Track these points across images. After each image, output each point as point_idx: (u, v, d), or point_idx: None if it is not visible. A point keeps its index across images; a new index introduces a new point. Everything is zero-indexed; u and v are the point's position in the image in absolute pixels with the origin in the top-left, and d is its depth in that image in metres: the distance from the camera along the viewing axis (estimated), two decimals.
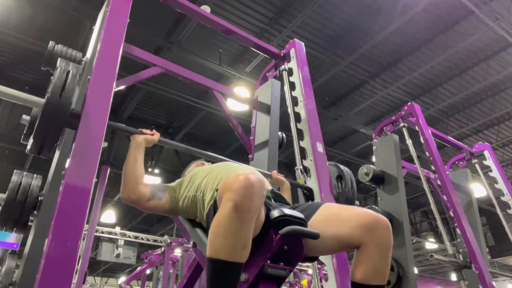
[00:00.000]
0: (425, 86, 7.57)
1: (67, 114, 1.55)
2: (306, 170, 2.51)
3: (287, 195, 2.03)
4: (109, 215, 11.49)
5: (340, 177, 2.58)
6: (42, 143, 1.59)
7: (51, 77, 1.59)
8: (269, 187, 1.65)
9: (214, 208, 1.36)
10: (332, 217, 1.38)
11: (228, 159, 2.13)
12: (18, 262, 1.79)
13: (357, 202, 2.62)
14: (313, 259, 1.52)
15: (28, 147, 1.62)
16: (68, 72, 1.59)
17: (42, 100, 1.53)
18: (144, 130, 1.83)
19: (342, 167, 2.62)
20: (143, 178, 1.64)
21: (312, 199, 2.38)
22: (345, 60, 6.70)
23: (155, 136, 1.83)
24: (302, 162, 2.54)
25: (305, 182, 2.44)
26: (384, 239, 1.28)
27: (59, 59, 1.67)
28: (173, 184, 1.70)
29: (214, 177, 1.53)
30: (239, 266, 1.13)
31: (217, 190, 1.26)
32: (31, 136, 1.57)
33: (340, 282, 2.05)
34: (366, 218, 1.30)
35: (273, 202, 1.49)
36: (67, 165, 1.53)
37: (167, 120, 8.48)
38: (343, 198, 2.51)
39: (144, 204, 1.59)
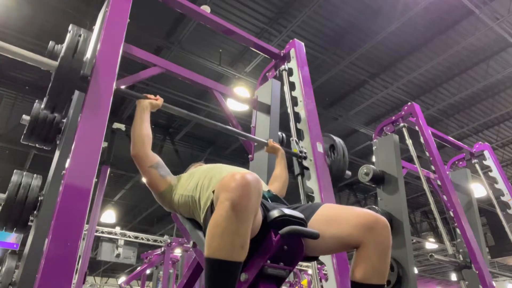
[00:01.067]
0: (425, 86, 7.56)
1: (78, 76, 1.67)
2: (300, 134, 2.67)
3: (282, 162, 2.20)
4: (109, 215, 11.49)
5: (332, 147, 2.70)
6: (55, 103, 1.71)
7: (64, 41, 1.71)
8: (266, 188, 1.65)
9: (211, 209, 1.36)
10: (332, 217, 1.38)
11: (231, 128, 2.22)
12: (18, 262, 1.79)
13: (348, 172, 2.73)
14: (313, 259, 1.53)
15: (43, 105, 1.74)
16: (80, 35, 1.71)
17: (55, 63, 1.65)
18: (148, 95, 1.96)
19: (334, 137, 2.75)
20: (150, 139, 1.74)
21: (307, 168, 2.50)
22: (345, 60, 6.70)
23: (159, 101, 1.98)
24: (296, 126, 2.70)
25: (300, 152, 2.57)
26: (383, 239, 1.28)
27: (70, 24, 1.79)
28: (175, 176, 1.73)
29: (209, 178, 1.53)
30: (237, 265, 1.12)
31: (213, 191, 1.26)
32: (46, 94, 1.69)
33: (340, 282, 2.05)
34: (365, 218, 1.30)
35: (270, 202, 1.49)
36: (67, 165, 1.53)
37: (167, 120, 8.47)
38: (335, 166, 2.63)
39: (146, 167, 1.64)
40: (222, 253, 1.10)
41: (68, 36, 1.69)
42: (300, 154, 2.56)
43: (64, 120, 2.07)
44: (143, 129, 1.75)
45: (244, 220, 1.10)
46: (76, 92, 2.15)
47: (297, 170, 2.57)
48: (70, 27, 1.75)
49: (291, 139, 2.68)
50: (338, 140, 2.73)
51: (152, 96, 1.96)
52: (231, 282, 1.12)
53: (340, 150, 2.67)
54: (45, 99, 1.70)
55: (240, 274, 1.26)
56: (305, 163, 2.56)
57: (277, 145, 2.32)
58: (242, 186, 1.10)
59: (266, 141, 2.37)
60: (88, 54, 1.76)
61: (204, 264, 1.14)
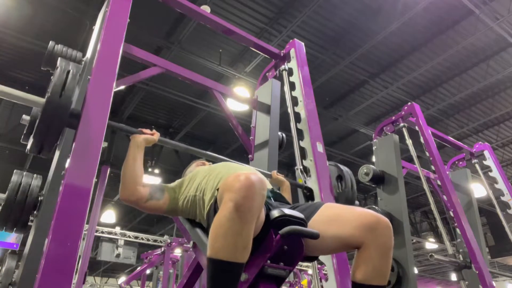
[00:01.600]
0: (425, 86, 7.56)
1: (67, 114, 1.55)
2: (306, 170, 2.51)
3: (287, 195, 2.04)
4: (109, 215, 11.49)
5: (340, 177, 2.59)
6: (42, 143, 1.60)
7: (51, 77, 1.59)
8: (269, 187, 1.65)
9: (215, 207, 1.36)
10: (333, 217, 1.38)
11: (228, 159, 2.14)
12: (18, 262, 1.79)
13: (357, 202, 2.62)
14: (313, 258, 1.53)
15: (28, 146, 1.63)
16: (69, 71, 1.59)
17: (42, 100, 1.54)
18: (144, 130, 1.82)
19: (342, 167, 2.63)
20: (142, 178, 1.63)
21: (312, 199, 2.39)
22: (345, 60, 6.70)
23: (155, 136, 1.82)
24: (302, 162, 2.55)
25: (305, 182, 2.46)
26: (385, 240, 1.28)
27: (59, 58, 1.67)
28: (172, 184, 1.70)
29: (214, 177, 1.53)
30: (240, 266, 1.12)
31: (217, 189, 1.26)
32: (31, 136, 1.58)
33: (340, 282, 2.05)
34: (367, 218, 1.29)
35: (273, 201, 1.49)
36: (67, 165, 1.53)
37: (167, 120, 8.48)
38: (343, 198, 2.51)
39: (142, 205, 1.59)
40: (225, 253, 1.10)
41: (56, 72, 1.58)
42: (306, 185, 2.44)
43: None
44: (136, 169, 1.62)
45: (247, 221, 1.10)
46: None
47: (302, 201, 2.43)
48: (58, 62, 1.63)
49: (295, 168, 2.57)
50: (345, 170, 2.61)
51: (148, 131, 1.82)
52: (233, 282, 1.12)
53: (348, 181, 2.56)
54: (30, 140, 1.59)
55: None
56: (305, 163, 2.56)
57: (282, 178, 2.18)
58: (246, 187, 1.09)
59: (269, 174, 2.23)
60: (78, 87, 1.68)
61: (207, 264, 1.14)
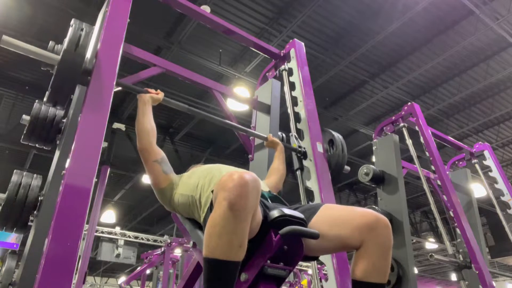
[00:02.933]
0: (425, 86, 7.56)
1: (80, 69, 1.69)
2: (300, 134, 2.69)
3: (281, 156, 2.25)
4: (109, 215, 11.49)
5: (331, 141, 2.73)
6: (57, 96, 1.74)
7: (67, 33, 1.72)
8: (266, 189, 1.65)
9: (211, 208, 1.36)
10: (333, 218, 1.38)
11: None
12: (18, 262, 1.79)
13: (347, 168, 2.74)
14: (313, 258, 1.53)
15: (45, 99, 1.76)
16: (82, 29, 1.73)
17: (57, 56, 1.68)
18: (149, 90, 2.00)
19: (333, 132, 2.76)
20: (155, 132, 1.77)
21: (305, 157, 2.55)
22: (345, 60, 6.70)
23: (160, 95, 2.04)
24: (296, 125, 2.73)
25: (299, 147, 2.60)
26: (384, 239, 1.28)
27: (72, 19, 1.80)
28: (176, 175, 1.73)
29: (209, 179, 1.53)
30: (235, 265, 1.12)
31: (212, 191, 1.26)
32: (48, 88, 1.71)
33: (340, 282, 2.06)
34: (366, 218, 1.30)
35: (270, 202, 1.49)
36: (67, 165, 1.53)
37: (167, 120, 8.47)
38: (334, 160, 2.65)
39: (150, 161, 1.66)
40: (220, 252, 1.10)
41: (70, 30, 1.71)
42: (299, 149, 2.59)
43: (64, 120, 2.07)
44: (147, 123, 1.77)
45: (242, 219, 1.10)
46: (76, 91, 2.15)
47: (296, 164, 2.60)
48: (72, 21, 1.76)
49: (290, 134, 2.71)
50: (337, 135, 2.75)
51: (152, 90, 2.00)
52: (229, 282, 1.12)
53: (339, 145, 2.69)
54: (47, 93, 1.72)
55: (240, 274, 1.26)
56: (305, 163, 2.56)
57: (276, 140, 2.37)
58: (240, 186, 1.10)
59: (265, 136, 2.42)
60: (90, 48, 1.77)
61: (203, 264, 1.14)
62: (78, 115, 1.72)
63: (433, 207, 3.55)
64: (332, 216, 1.39)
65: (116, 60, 1.85)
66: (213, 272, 1.11)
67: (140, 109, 1.84)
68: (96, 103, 1.68)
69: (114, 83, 1.80)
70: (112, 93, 1.76)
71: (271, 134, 2.44)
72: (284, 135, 3.08)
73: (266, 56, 3.22)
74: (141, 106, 1.86)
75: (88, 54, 1.75)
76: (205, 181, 1.54)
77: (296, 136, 2.68)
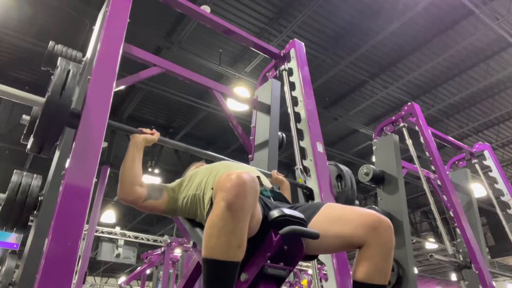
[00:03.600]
0: (425, 86, 7.56)
1: (67, 113, 1.56)
2: (306, 170, 2.52)
3: (287, 194, 2.04)
4: (109, 215, 11.49)
5: (340, 177, 2.59)
6: (43, 142, 1.60)
7: (52, 77, 1.60)
8: (269, 186, 1.64)
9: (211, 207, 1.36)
10: (335, 217, 1.38)
11: (228, 158, 2.14)
12: (18, 262, 1.79)
13: (357, 202, 2.63)
14: (313, 257, 1.53)
15: (29, 146, 1.63)
16: (69, 71, 1.59)
17: (42, 99, 1.54)
18: (144, 130, 1.82)
19: (342, 166, 2.63)
20: (141, 178, 1.63)
21: (312, 198, 2.39)
22: (345, 60, 6.70)
23: (155, 135, 1.83)
24: (302, 162, 2.55)
25: (305, 182, 2.46)
26: (387, 239, 1.29)
27: (59, 58, 1.67)
28: (172, 184, 1.70)
29: (214, 176, 1.53)
30: (235, 265, 1.12)
31: (212, 189, 1.26)
32: (32, 135, 1.58)
33: (340, 282, 2.05)
34: (369, 218, 1.30)
35: (273, 201, 1.49)
36: (67, 165, 1.53)
37: (167, 120, 8.48)
38: (343, 197, 2.52)
39: (140, 204, 1.59)
40: (219, 253, 1.10)
41: (56, 72, 1.58)
42: (306, 185, 2.45)
43: None
44: (135, 169, 1.62)
45: (240, 219, 1.10)
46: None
47: (302, 201, 2.45)
48: (58, 62, 1.64)
49: (295, 167, 2.58)
50: (345, 169, 2.62)
51: (148, 131, 1.83)
52: (229, 282, 1.12)
53: (348, 181, 2.57)
54: (31, 140, 1.59)
55: (240, 274, 1.26)
56: (305, 163, 2.56)
57: (281, 177, 2.18)
58: (237, 186, 1.09)
59: (269, 173, 2.23)
60: (78, 87, 1.69)
61: (202, 265, 1.14)
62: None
63: (433, 207, 3.55)
64: (334, 215, 1.39)
65: (116, 61, 1.85)
66: (213, 272, 1.11)
67: (130, 152, 1.67)
68: (88, 142, 1.56)
69: (106, 123, 1.67)
70: (104, 134, 1.62)
71: (275, 171, 2.23)
72: (284, 135, 3.08)
73: (266, 56, 3.22)
74: (132, 149, 1.69)
75: (76, 95, 1.66)
76: (209, 178, 1.53)
77: (302, 169, 2.53)
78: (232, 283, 1.13)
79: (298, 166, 2.56)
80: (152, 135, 1.81)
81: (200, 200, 1.52)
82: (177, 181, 1.71)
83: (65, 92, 1.54)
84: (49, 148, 1.66)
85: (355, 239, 1.30)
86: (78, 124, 1.58)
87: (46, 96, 1.54)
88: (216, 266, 1.10)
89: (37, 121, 1.53)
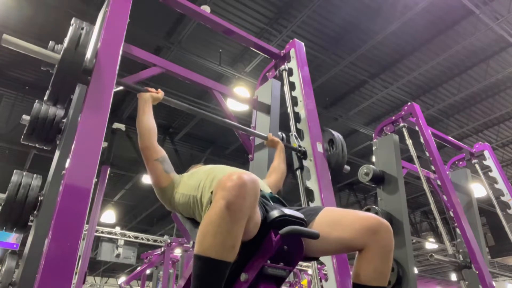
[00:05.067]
0: (425, 86, 7.56)
1: (80, 68, 1.69)
2: (300, 134, 2.70)
3: (281, 155, 2.27)
4: (109, 215, 11.49)
5: (331, 141, 2.73)
6: (58, 94, 1.75)
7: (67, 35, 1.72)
8: (268, 190, 1.65)
9: None
10: (334, 220, 1.39)
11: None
12: (18, 262, 1.79)
13: (347, 167, 2.75)
14: (313, 258, 1.53)
15: (45, 97, 1.77)
16: (82, 28, 1.73)
17: (57, 55, 1.67)
18: (149, 89, 2.00)
19: (333, 132, 2.77)
20: (155, 131, 1.77)
21: (305, 157, 2.55)
22: (345, 60, 6.70)
23: (160, 94, 2.03)
24: (296, 125, 2.73)
25: (299, 146, 2.61)
26: (386, 243, 1.30)
27: (73, 18, 1.80)
28: (177, 175, 1.73)
29: (211, 179, 1.53)
30: (227, 265, 1.12)
31: (211, 192, 1.26)
32: (49, 85, 1.72)
33: (340, 282, 2.06)
34: (369, 221, 1.31)
35: (272, 203, 1.49)
36: (67, 165, 1.53)
37: (167, 120, 8.47)
38: (333, 160, 2.65)
39: (152, 160, 1.66)
40: (213, 252, 1.10)
41: (71, 29, 1.71)
42: (299, 149, 2.60)
43: (64, 120, 2.07)
44: (147, 121, 1.77)
45: (237, 220, 1.10)
46: (76, 91, 2.15)
47: (296, 164, 2.61)
48: (72, 20, 1.76)
49: (290, 134, 2.72)
50: (337, 134, 2.75)
51: (153, 90, 2.00)
52: (219, 281, 1.12)
53: (339, 144, 2.69)
54: (47, 92, 1.72)
55: (240, 274, 1.26)
56: (305, 163, 2.56)
57: (277, 139, 2.39)
58: (238, 186, 1.10)
59: (265, 136, 2.44)
60: (91, 48, 1.77)
61: (193, 261, 1.13)
62: (78, 115, 1.72)
63: (433, 207, 3.55)
64: (334, 219, 1.40)
65: (116, 60, 1.85)
66: (204, 270, 1.11)
67: (141, 108, 1.85)
68: (96, 102, 1.67)
69: (114, 82, 1.80)
70: (112, 92, 1.76)
71: (271, 134, 2.46)
72: (284, 135, 3.08)
73: (266, 56, 3.22)
74: (142, 105, 1.86)
75: (89, 53, 1.75)
76: (207, 181, 1.54)
77: (296, 135, 2.69)
78: (222, 282, 1.13)
79: (293, 132, 2.70)
80: (157, 94, 2.00)
81: (198, 202, 1.52)
82: (180, 174, 1.74)
83: (79, 48, 1.67)
84: (64, 101, 1.83)
85: (355, 243, 1.31)
86: (89, 82, 1.71)
87: (63, 48, 1.66)
88: (208, 264, 1.10)
89: (53, 75, 1.67)
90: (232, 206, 1.08)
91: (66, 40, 1.67)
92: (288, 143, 2.63)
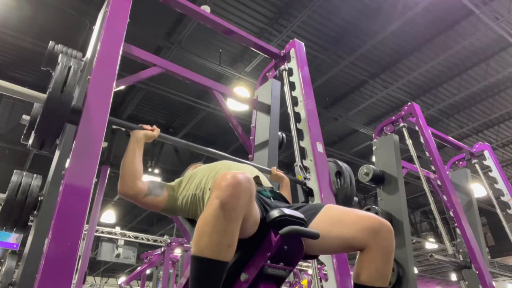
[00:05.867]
0: (425, 86, 7.56)
1: (68, 110, 1.57)
2: (305, 167, 2.52)
3: (286, 191, 2.05)
4: (109, 215, 11.49)
5: (339, 173, 2.59)
6: (44, 139, 1.61)
7: (52, 73, 1.60)
8: (269, 185, 1.64)
9: None
10: (336, 219, 1.39)
11: (229, 155, 2.14)
12: (18, 262, 1.79)
13: (356, 199, 2.63)
14: (312, 257, 1.53)
15: (30, 142, 1.64)
16: (70, 67, 1.60)
17: (43, 96, 1.55)
18: (144, 126, 1.83)
19: (341, 163, 2.64)
20: (141, 173, 1.64)
21: (312, 195, 2.39)
22: (345, 60, 6.70)
23: (155, 131, 1.84)
24: (302, 161, 2.55)
25: (304, 178, 2.45)
26: (387, 243, 1.30)
27: (60, 55, 1.68)
28: (172, 183, 1.70)
29: (213, 176, 1.53)
30: (224, 265, 1.12)
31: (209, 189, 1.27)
32: (33, 131, 1.59)
33: (340, 282, 2.05)
34: (371, 221, 1.31)
35: (272, 201, 1.49)
36: (67, 165, 1.53)
37: (167, 120, 8.48)
38: (342, 194, 2.52)
39: (141, 200, 1.59)
40: (209, 252, 1.10)
41: (57, 68, 1.59)
42: (305, 181, 2.44)
43: None
44: (135, 164, 1.64)
45: (232, 219, 1.10)
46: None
47: (301, 198, 2.46)
48: (59, 58, 1.65)
49: (295, 164, 2.57)
50: (344, 166, 2.61)
51: (148, 127, 1.84)
52: (216, 281, 1.12)
53: (348, 178, 2.56)
54: (32, 135, 1.60)
55: (240, 274, 1.26)
56: (305, 163, 2.55)
57: (281, 174, 2.18)
58: (232, 186, 1.10)
59: (269, 170, 2.24)
60: (78, 87, 1.70)
61: (191, 261, 1.13)
62: None
63: (433, 207, 3.55)
64: (335, 217, 1.39)
65: (116, 61, 1.85)
66: (201, 270, 1.11)
67: (131, 148, 1.69)
68: (88, 139, 1.57)
69: (107, 120, 1.68)
70: (104, 132, 1.64)
71: (275, 167, 2.24)
72: (284, 135, 3.08)
73: (266, 56, 3.22)
74: (132, 144, 1.70)
75: (76, 94, 1.66)
76: (209, 178, 1.53)
77: (302, 166, 2.51)
78: (220, 282, 1.13)
79: (298, 163, 2.54)
80: (152, 132, 1.82)
81: (200, 200, 1.52)
82: (177, 180, 1.71)
83: (66, 89, 1.55)
84: (50, 144, 1.67)
85: (356, 242, 1.31)
86: (79, 120, 1.59)
87: (48, 92, 1.54)
88: (205, 265, 1.10)
89: (39, 117, 1.54)
90: (226, 206, 1.08)
91: (52, 81, 1.56)
92: (293, 177, 2.42)
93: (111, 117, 1.73)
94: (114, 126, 1.87)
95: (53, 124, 1.56)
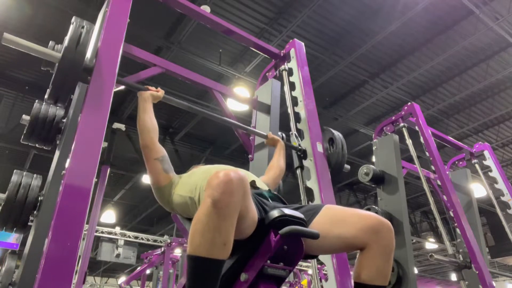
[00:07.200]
0: (425, 86, 7.56)
1: (81, 67, 1.69)
2: (300, 133, 2.70)
3: (281, 152, 2.28)
4: (109, 215, 11.49)
5: (331, 140, 2.74)
6: (58, 93, 1.74)
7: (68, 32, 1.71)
8: (265, 187, 1.64)
9: None
10: (336, 218, 1.39)
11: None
12: (18, 262, 1.79)
13: (347, 166, 2.75)
14: (312, 257, 1.53)
15: (46, 96, 1.76)
16: (83, 27, 1.73)
17: (58, 54, 1.67)
18: (150, 87, 1.99)
19: (333, 131, 2.77)
20: (156, 129, 1.77)
21: (305, 158, 2.56)
22: (345, 60, 6.70)
23: (160, 92, 2.03)
24: (296, 125, 2.74)
25: (299, 145, 2.62)
26: (388, 242, 1.31)
27: (73, 16, 1.80)
28: (176, 176, 1.72)
29: (206, 178, 1.52)
30: (219, 263, 1.11)
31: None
32: (50, 84, 1.72)
33: (340, 282, 2.06)
34: (371, 220, 1.31)
35: (271, 202, 1.48)
36: (67, 165, 1.53)
37: (167, 120, 8.47)
38: (333, 159, 2.66)
39: (152, 160, 1.65)
40: (203, 250, 1.09)
41: (71, 28, 1.70)
42: (300, 147, 2.60)
43: (64, 120, 2.07)
44: (148, 120, 1.77)
45: (225, 217, 1.09)
46: (76, 91, 2.15)
47: (296, 163, 2.61)
48: (73, 19, 1.76)
49: (290, 133, 2.72)
50: (337, 133, 2.76)
51: (153, 88, 2.00)
52: (213, 280, 1.11)
53: (339, 143, 2.69)
54: (48, 90, 1.72)
55: (240, 274, 1.26)
56: (305, 163, 2.56)
57: (276, 137, 2.39)
58: (224, 183, 1.09)
59: (265, 134, 2.45)
60: (91, 46, 1.77)
61: (187, 261, 1.13)
62: (78, 114, 1.72)
63: (433, 207, 3.55)
64: (335, 217, 1.40)
65: (116, 60, 1.85)
66: (196, 270, 1.11)
67: (141, 107, 1.84)
68: (97, 101, 1.67)
69: (115, 81, 1.80)
70: (113, 91, 1.76)
71: (271, 132, 2.46)
72: (284, 135, 3.08)
73: (266, 56, 3.22)
74: (142, 104, 1.86)
75: (89, 52, 1.75)
76: (204, 181, 1.53)
77: (296, 134, 2.69)
78: (216, 281, 1.12)
79: (293, 131, 2.71)
80: (157, 92, 1.99)
81: (196, 203, 1.52)
82: (179, 175, 1.73)
83: (79, 47, 1.67)
84: (64, 99, 1.80)
85: (356, 241, 1.31)
86: (90, 81, 1.71)
87: (63, 48, 1.66)
88: (200, 264, 1.10)
89: (54, 73, 1.67)
90: (218, 203, 1.08)
91: (67, 38, 1.67)
92: (288, 142, 2.62)
93: (119, 78, 1.89)
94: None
95: (67, 79, 1.69)
